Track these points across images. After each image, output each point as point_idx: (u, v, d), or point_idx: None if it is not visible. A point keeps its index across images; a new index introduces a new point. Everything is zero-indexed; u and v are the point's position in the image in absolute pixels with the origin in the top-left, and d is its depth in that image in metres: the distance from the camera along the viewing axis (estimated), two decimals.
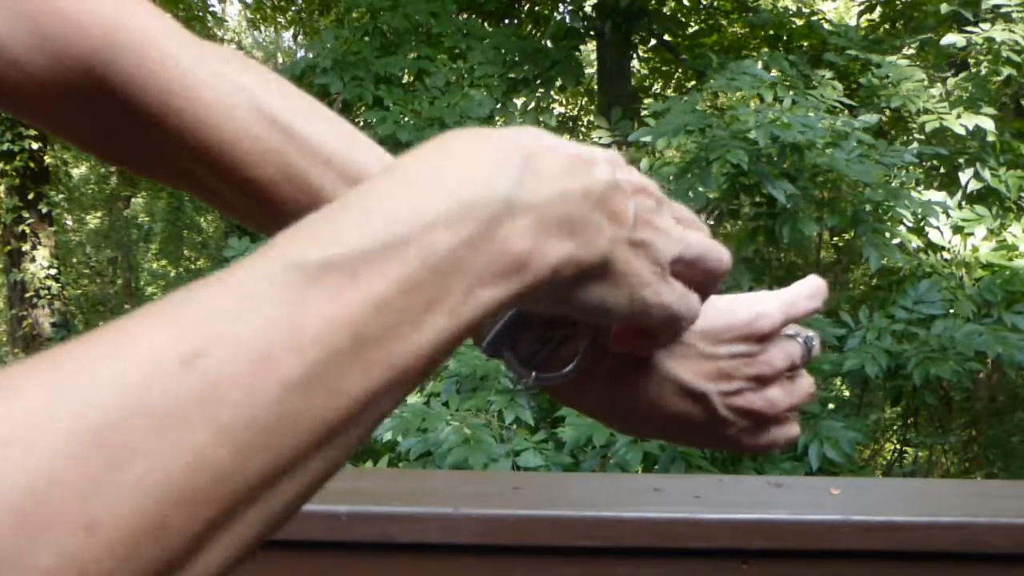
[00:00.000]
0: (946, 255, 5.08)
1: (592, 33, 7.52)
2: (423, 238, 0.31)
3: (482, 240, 0.33)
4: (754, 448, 0.54)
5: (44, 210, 9.07)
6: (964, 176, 5.32)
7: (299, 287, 0.29)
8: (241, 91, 0.47)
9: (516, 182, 0.35)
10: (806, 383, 0.55)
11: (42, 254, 9.09)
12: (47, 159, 9.05)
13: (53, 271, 9.18)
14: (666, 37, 7.72)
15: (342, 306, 0.29)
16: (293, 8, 10.14)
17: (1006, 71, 5.47)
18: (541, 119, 6.43)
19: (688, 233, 0.44)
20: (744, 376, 0.51)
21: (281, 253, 0.30)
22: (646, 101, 8.01)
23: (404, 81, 6.18)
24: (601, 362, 0.50)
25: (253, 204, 0.48)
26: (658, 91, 9.01)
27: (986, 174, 5.22)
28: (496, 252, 0.33)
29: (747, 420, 0.52)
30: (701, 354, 0.51)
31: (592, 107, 9.06)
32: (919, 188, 5.23)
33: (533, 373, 0.47)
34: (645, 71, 9.22)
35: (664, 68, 8.90)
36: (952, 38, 5.65)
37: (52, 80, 0.46)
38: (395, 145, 5.35)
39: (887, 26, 7.47)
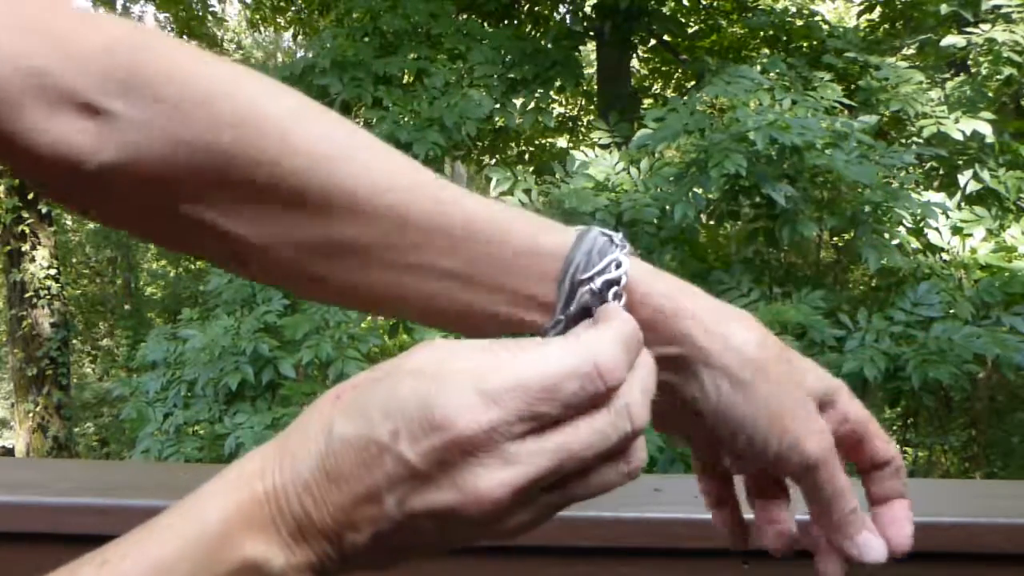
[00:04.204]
0: (945, 256, 5.07)
1: (592, 33, 7.52)
2: None
3: None
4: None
5: (44, 210, 9.06)
6: (963, 177, 5.32)
7: None
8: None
9: None
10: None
11: (42, 254, 9.08)
12: None
13: (53, 271, 9.18)
14: (666, 37, 7.72)
15: None
16: (293, 8, 10.13)
17: (1007, 71, 5.48)
18: (540, 119, 6.43)
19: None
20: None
21: None
22: (646, 102, 8.01)
23: (404, 81, 6.17)
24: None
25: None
26: (658, 91, 9.01)
27: (985, 175, 5.22)
28: None
29: None
30: None
31: (592, 107, 9.06)
32: (918, 189, 5.23)
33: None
34: (645, 71, 9.22)
35: (664, 68, 8.90)
36: (952, 39, 5.66)
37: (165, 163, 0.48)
38: (395, 145, 5.35)
39: (887, 26, 7.48)
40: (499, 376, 0.37)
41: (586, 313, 0.46)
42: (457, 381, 0.37)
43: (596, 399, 0.38)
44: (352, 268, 0.49)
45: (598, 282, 0.46)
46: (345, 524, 0.38)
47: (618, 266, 0.46)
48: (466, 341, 0.40)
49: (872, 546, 0.47)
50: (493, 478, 0.37)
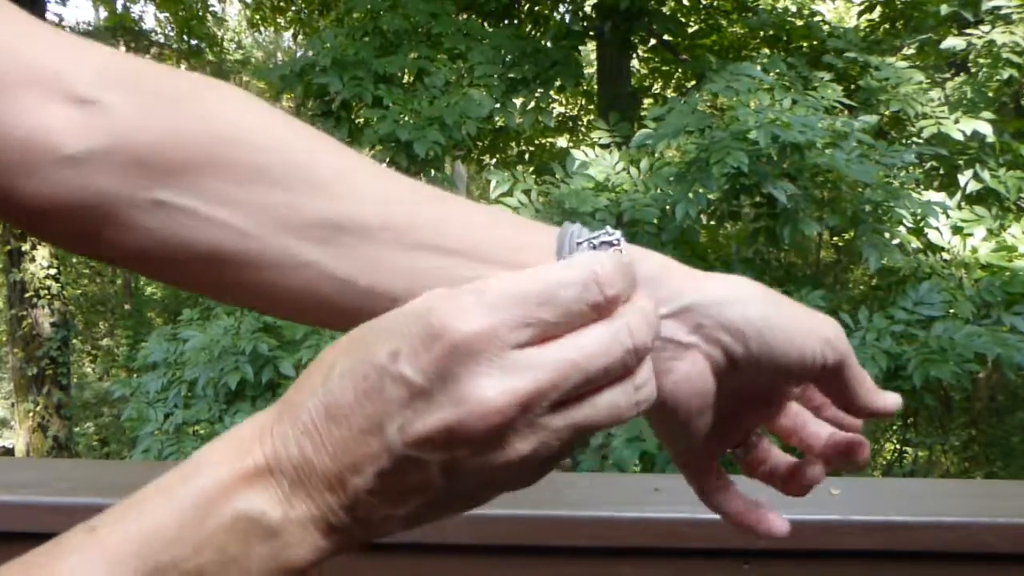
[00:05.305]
0: (945, 256, 5.07)
1: (592, 33, 7.52)
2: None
3: None
4: None
5: None
6: (963, 177, 5.32)
7: None
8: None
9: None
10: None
11: (42, 254, 9.08)
12: None
13: (53, 271, 9.18)
14: (666, 37, 7.72)
15: None
16: (293, 8, 10.13)
17: (1007, 72, 5.48)
18: (540, 119, 6.43)
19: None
20: None
21: None
22: (646, 102, 8.01)
23: (404, 81, 6.17)
24: None
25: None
26: (658, 91, 9.01)
27: (985, 175, 5.22)
28: None
29: None
30: None
31: (592, 107, 9.06)
32: (919, 189, 5.23)
33: None
34: (645, 71, 9.22)
35: (664, 68, 8.89)
36: (952, 41, 5.66)
37: None
38: (395, 145, 5.35)
39: (887, 26, 7.48)
40: (498, 286, 0.37)
41: None
42: (455, 293, 0.37)
43: (596, 310, 0.37)
44: (346, 252, 0.49)
45: (596, 243, 0.47)
46: (347, 466, 0.37)
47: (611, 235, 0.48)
48: None
49: (890, 399, 0.55)
50: (495, 386, 0.35)
